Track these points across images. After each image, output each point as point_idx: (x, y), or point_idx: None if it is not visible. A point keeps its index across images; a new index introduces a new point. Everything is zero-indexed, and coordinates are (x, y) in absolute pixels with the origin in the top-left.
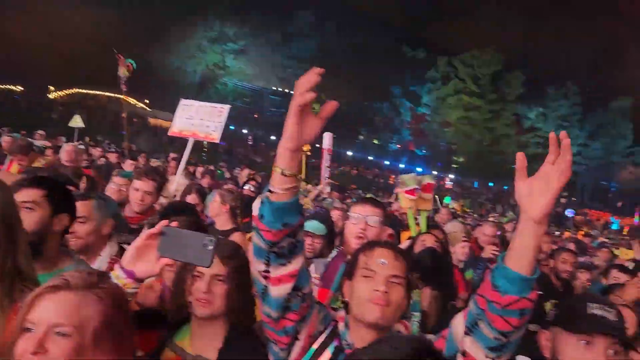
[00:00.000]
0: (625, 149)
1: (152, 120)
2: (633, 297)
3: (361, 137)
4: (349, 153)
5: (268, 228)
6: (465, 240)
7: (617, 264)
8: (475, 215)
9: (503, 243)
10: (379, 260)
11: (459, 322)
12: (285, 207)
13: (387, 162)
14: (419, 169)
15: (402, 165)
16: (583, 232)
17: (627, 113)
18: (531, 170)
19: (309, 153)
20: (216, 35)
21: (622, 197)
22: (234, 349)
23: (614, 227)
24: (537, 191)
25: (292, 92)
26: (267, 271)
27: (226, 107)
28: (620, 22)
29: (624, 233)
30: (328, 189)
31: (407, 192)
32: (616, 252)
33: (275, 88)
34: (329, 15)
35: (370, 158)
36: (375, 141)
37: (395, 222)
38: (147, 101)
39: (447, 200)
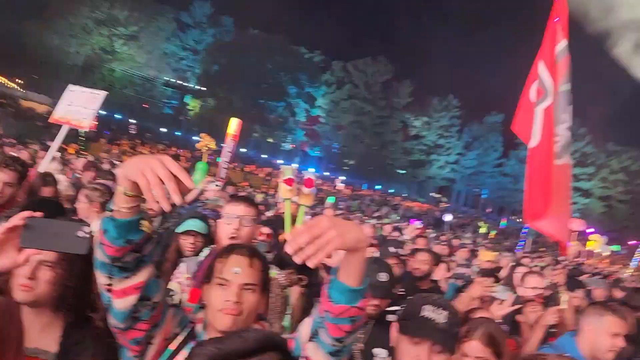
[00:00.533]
0: (495, 160)
1: (24, 103)
2: (478, 294)
3: (255, 135)
4: (242, 150)
5: (110, 244)
6: None
7: (485, 269)
8: (361, 216)
9: (383, 243)
10: (233, 269)
11: (304, 327)
12: (128, 224)
13: (280, 161)
14: (311, 169)
15: (294, 165)
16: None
17: (498, 127)
18: (413, 175)
19: (213, 149)
20: (104, 17)
21: (491, 203)
22: (75, 340)
23: (482, 231)
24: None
25: (185, 84)
26: (110, 284)
27: (101, 93)
28: (496, 41)
29: (491, 236)
30: (215, 186)
31: (285, 181)
32: (480, 255)
33: (167, 79)
34: (227, 9)
35: (263, 156)
36: (270, 139)
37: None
38: (20, 81)
39: (330, 199)
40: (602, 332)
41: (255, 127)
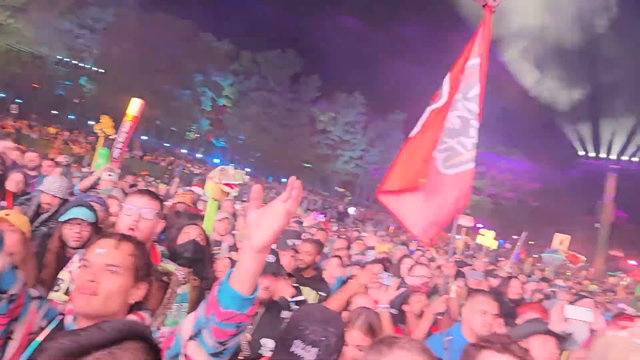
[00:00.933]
0: None
1: None
2: (365, 281)
3: (157, 122)
4: (143, 137)
5: None
6: None
7: (378, 258)
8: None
9: (281, 234)
10: (96, 249)
11: (186, 325)
12: None
13: (183, 150)
14: (217, 160)
15: (199, 155)
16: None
17: (400, 125)
18: (320, 170)
19: (109, 133)
20: None
21: None
22: None
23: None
24: (264, 223)
25: (81, 64)
26: None
27: None
28: (401, 41)
29: (391, 230)
30: (110, 176)
31: (226, 184)
32: (376, 247)
33: (61, 57)
34: None
35: (166, 145)
36: (173, 128)
37: (189, 215)
38: None
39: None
40: (475, 311)
41: (158, 115)
